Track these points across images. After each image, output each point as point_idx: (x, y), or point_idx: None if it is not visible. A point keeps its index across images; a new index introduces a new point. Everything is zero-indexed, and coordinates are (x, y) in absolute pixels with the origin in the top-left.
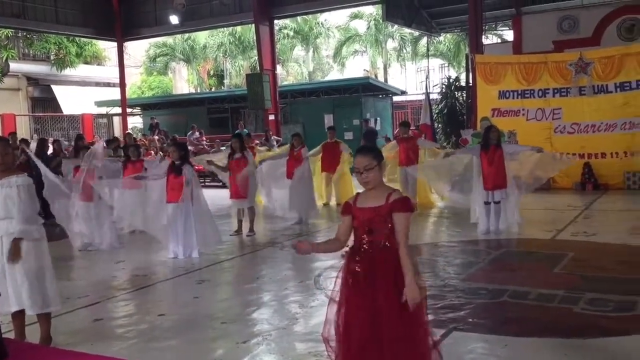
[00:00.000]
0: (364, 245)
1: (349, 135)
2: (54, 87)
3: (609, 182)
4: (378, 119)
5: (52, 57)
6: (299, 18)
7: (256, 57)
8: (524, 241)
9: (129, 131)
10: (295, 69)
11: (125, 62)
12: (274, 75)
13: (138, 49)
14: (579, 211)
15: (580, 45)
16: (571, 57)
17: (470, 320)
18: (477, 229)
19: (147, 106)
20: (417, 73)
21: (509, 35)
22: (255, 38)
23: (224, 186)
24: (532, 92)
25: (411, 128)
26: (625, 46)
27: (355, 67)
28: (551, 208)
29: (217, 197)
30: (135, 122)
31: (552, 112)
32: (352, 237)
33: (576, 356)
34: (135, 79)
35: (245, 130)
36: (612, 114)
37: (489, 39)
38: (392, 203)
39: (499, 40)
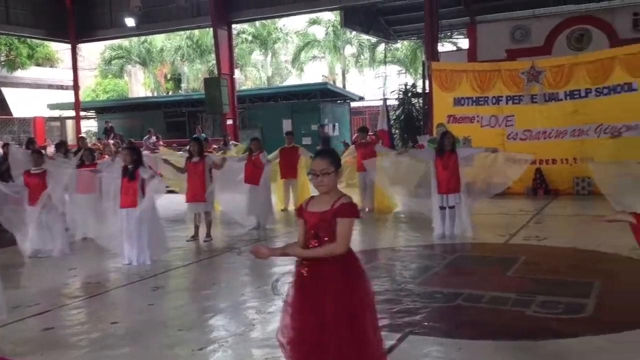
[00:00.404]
0: None
1: (307, 141)
2: (4, 89)
3: (559, 188)
4: (336, 124)
5: (2, 59)
6: (257, 23)
7: (214, 61)
8: (478, 245)
9: (83, 135)
10: (253, 74)
11: (79, 64)
12: (232, 80)
13: (92, 51)
14: (531, 216)
15: (532, 54)
16: (523, 65)
17: (426, 324)
18: (433, 233)
19: (102, 109)
20: (375, 79)
21: (464, 43)
22: (213, 42)
23: (172, 192)
24: (486, 99)
25: (369, 134)
26: (574, 56)
27: (314, 73)
28: (504, 213)
29: (172, 202)
30: (90, 125)
31: (505, 119)
32: None
33: (527, 358)
34: (89, 81)
35: (202, 134)
36: (562, 121)
37: (444, 47)
38: (337, 208)
39: (455, 48)
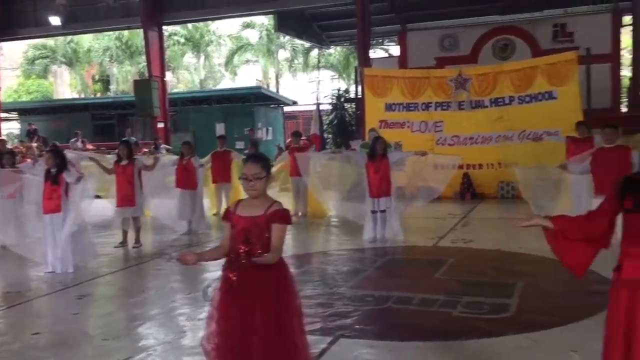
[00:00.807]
0: (241, 255)
1: (240, 145)
2: None
3: (485, 192)
4: (270, 128)
5: None
6: (189, 25)
7: (145, 63)
8: (408, 248)
9: (4, 137)
10: (186, 77)
11: (0, 63)
12: (163, 82)
13: (15, 50)
14: (459, 219)
15: (460, 62)
16: (451, 73)
17: (357, 327)
18: (364, 237)
19: (24, 111)
20: (309, 84)
21: (395, 50)
22: (143, 43)
23: (98, 197)
24: (416, 105)
25: (302, 138)
26: (499, 64)
27: (248, 76)
28: (434, 216)
29: (99, 207)
30: (12, 127)
31: (435, 125)
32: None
33: (455, 358)
34: (11, 81)
35: (132, 138)
36: (488, 127)
37: (376, 53)
38: (271, 214)
39: (387, 55)
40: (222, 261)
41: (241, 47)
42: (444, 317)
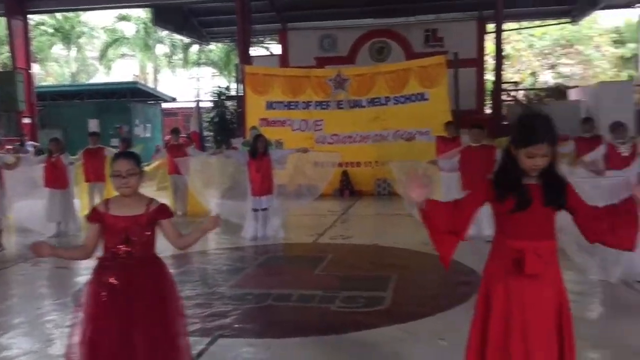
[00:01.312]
0: (120, 255)
1: (115, 142)
2: None
3: (363, 189)
4: (148, 125)
5: None
6: (58, 14)
7: (8, 54)
8: (289, 246)
9: None
10: (55, 69)
11: None
12: (30, 75)
13: None
14: (338, 216)
15: (339, 62)
16: (330, 73)
17: (236, 326)
18: (245, 235)
19: None
20: (189, 80)
21: (276, 48)
22: (7, 33)
23: None
24: (296, 104)
25: (181, 135)
26: (375, 66)
27: (124, 71)
28: (314, 213)
29: None
30: None
31: (315, 124)
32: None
33: (333, 351)
34: None
35: None
36: (365, 126)
37: (257, 51)
38: (155, 212)
39: (268, 53)
40: (89, 263)
41: (116, 40)
42: (323, 312)
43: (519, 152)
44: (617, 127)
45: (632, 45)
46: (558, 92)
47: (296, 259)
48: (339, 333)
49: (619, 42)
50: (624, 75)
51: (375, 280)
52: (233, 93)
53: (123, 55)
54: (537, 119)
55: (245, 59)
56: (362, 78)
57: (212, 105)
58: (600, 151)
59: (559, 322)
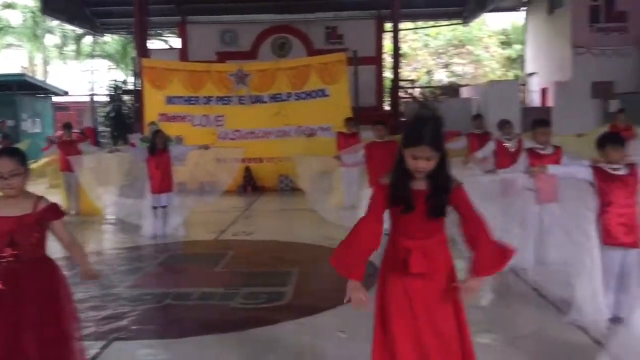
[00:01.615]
0: (6, 259)
1: None
2: None
3: (266, 185)
4: (37, 120)
5: None
6: None
7: None
8: (190, 243)
9: None
10: None
11: None
12: None
13: None
14: (240, 212)
15: (240, 57)
16: (232, 68)
17: (133, 327)
18: (145, 233)
19: None
20: (82, 73)
21: (176, 42)
22: None
23: None
24: (197, 99)
25: (74, 131)
26: (277, 61)
27: (10, 62)
28: (216, 210)
29: None
30: None
31: (216, 119)
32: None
33: (234, 349)
34: None
35: None
36: (267, 122)
37: (155, 44)
38: (42, 212)
39: (167, 47)
40: None
41: (0, 29)
42: (223, 309)
43: (405, 153)
44: (505, 124)
45: (518, 47)
46: (451, 90)
47: (197, 257)
48: (240, 330)
49: (506, 44)
50: (511, 75)
51: (276, 275)
52: (130, 87)
53: (9, 46)
54: (424, 121)
55: (143, 52)
56: (264, 73)
57: (108, 100)
58: (489, 147)
59: (455, 312)
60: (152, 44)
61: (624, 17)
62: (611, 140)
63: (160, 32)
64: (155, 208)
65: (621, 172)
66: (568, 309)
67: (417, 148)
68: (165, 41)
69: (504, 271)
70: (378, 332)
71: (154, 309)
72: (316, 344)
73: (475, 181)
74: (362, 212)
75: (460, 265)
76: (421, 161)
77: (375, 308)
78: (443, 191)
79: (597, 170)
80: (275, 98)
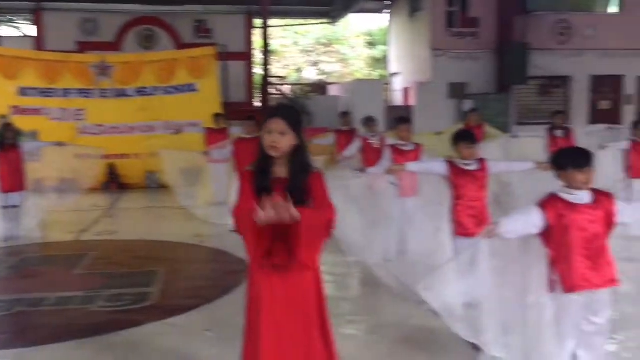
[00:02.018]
0: None
1: None
2: None
3: (131, 182)
4: None
5: None
6: None
7: None
8: (46, 245)
9: None
10: None
11: None
12: None
13: None
14: (104, 211)
15: (103, 48)
16: (93, 59)
17: None
18: None
19: None
20: None
21: (31, 30)
22: None
23: None
24: (54, 91)
25: None
26: (143, 54)
27: None
28: (76, 209)
29: None
30: None
31: (75, 113)
32: None
33: (95, 354)
34: None
35: None
36: (132, 117)
37: (6, 31)
38: None
39: (21, 34)
40: None
41: None
42: (83, 314)
43: (263, 132)
44: (369, 121)
45: (382, 48)
46: (320, 87)
47: (54, 259)
48: (101, 334)
49: (371, 44)
50: (376, 74)
51: (141, 275)
52: None
53: None
54: (283, 104)
55: None
56: (129, 66)
57: None
58: (355, 145)
59: (318, 305)
60: (2, 30)
61: (477, 23)
62: (463, 138)
63: (12, 18)
64: (5, 208)
65: (472, 168)
66: (429, 296)
67: (271, 121)
68: (18, 28)
69: (369, 263)
70: (247, 329)
71: (3, 317)
72: (182, 345)
73: (343, 186)
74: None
75: (335, 259)
76: (275, 135)
77: (246, 303)
78: (301, 176)
79: (451, 165)
80: (140, 92)
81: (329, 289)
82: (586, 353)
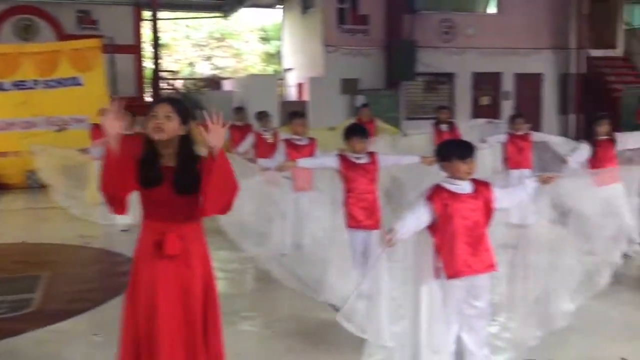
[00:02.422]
0: None
1: None
2: None
3: (11, 182)
4: None
5: None
6: None
7: None
8: None
9: None
10: None
11: None
12: None
13: None
14: None
15: None
16: None
17: None
18: None
19: None
20: None
21: None
22: None
23: None
24: None
25: None
26: (21, 45)
27: None
28: None
29: None
30: None
31: None
32: None
33: None
34: None
35: None
36: (10, 112)
37: None
38: None
39: None
40: None
41: None
42: None
43: (148, 118)
44: (263, 117)
45: (276, 43)
46: (213, 82)
47: None
48: None
49: (265, 39)
50: (270, 69)
51: (22, 281)
52: None
53: None
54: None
55: None
56: (5, 58)
57: None
58: (249, 140)
59: (205, 300)
60: None
61: (367, 21)
62: (355, 132)
63: None
64: None
65: (363, 161)
66: (322, 289)
67: (157, 105)
68: None
69: (264, 258)
70: (125, 329)
71: None
72: (67, 351)
73: (246, 187)
74: None
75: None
76: (161, 118)
77: (125, 303)
78: (189, 165)
79: (343, 159)
80: (19, 86)
81: (223, 286)
82: (469, 335)
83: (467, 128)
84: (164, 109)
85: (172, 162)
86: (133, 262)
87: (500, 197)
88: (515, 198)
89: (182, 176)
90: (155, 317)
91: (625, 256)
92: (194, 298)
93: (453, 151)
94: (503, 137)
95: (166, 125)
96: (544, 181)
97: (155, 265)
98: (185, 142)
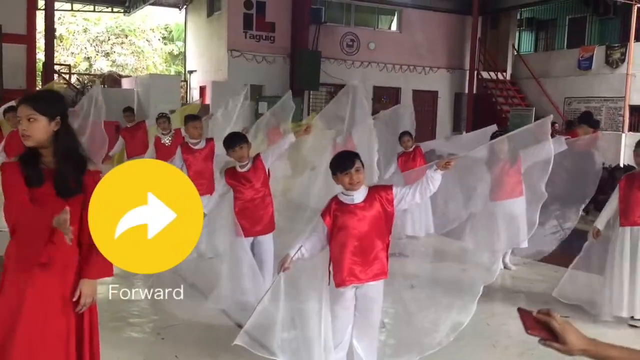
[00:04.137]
0: None
1: None
2: None
3: None
4: None
5: None
6: None
7: None
8: None
9: None
10: None
11: None
12: None
13: None
14: None
15: None
16: None
17: None
18: None
19: None
20: None
21: None
22: None
23: None
24: None
25: None
26: None
27: None
28: None
29: None
30: None
31: None
32: None
33: None
34: None
35: None
36: None
37: None
38: None
39: None
40: None
41: None
42: None
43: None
44: (161, 119)
45: (180, 44)
46: (112, 79)
47: None
48: None
49: (168, 39)
50: (173, 70)
51: None
52: None
53: None
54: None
55: None
56: None
57: None
58: (150, 150)
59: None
60: None
61: (273, 28)
62: (234, 141)
63: None
64: None
65: (245, 169)
66: (215, 296)
67: (18, 109)
68: None
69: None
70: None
71: None
72: None
73: None
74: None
75: None
76: (24, 122)
77: None
78: (69, 166)
79: (228, 171)
80: None
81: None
82: (360, 343)
83: (363, 138)
84: (25, 112)
85: (53, 164)
86: (4, 268)
87: (405, 194)
88: (425, 192)
89: (60, 181)
90: (15, 327)
91: (505, 267)
92: (66, 307)
93: (333, 166)
94: (393, 167)
95: (30, 130)
96: (444, 167)
97: (24, 274)
98: (60, 139)
